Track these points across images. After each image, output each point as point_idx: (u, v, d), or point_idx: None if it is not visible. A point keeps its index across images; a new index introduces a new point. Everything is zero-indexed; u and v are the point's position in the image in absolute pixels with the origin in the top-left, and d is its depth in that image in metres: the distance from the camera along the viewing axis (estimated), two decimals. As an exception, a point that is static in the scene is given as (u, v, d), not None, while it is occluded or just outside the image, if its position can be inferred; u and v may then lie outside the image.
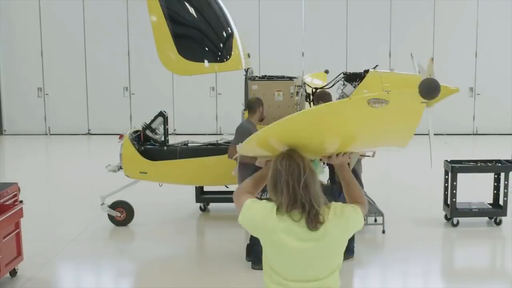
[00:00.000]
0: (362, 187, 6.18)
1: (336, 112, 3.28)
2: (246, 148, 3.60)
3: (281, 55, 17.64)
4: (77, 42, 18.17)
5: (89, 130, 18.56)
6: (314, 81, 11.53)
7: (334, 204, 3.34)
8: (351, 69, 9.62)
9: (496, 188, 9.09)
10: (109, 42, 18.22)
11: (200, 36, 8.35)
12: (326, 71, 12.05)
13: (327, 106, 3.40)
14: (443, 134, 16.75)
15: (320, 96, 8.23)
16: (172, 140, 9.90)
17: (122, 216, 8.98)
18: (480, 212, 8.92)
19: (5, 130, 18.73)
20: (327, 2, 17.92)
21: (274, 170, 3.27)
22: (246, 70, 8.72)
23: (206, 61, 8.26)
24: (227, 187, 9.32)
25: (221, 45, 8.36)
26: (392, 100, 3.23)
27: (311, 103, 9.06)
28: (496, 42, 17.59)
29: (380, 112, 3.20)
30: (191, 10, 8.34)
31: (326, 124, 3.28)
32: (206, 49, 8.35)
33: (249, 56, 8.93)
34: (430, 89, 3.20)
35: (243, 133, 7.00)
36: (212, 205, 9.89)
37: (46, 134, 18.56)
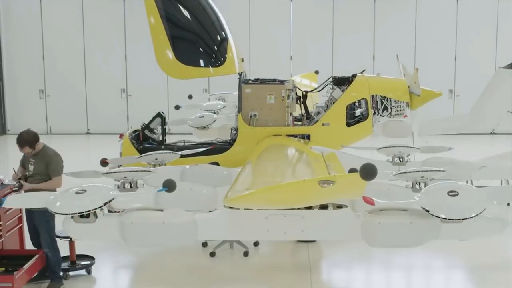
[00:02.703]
0: None
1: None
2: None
3: (270, 58, 17.60)
4: (77, 46, 18.09)
5: (88, 130, 18.49)
6: (303, 81, 11.54)
7: None
8: (337, 73, 9.64)
9: None
10: (107, 46, 18.15)
11: (196, 41, 8.33)
12: (316, 72, 12.04)
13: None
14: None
15: None
16: (169, 139, 9.87)
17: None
18: None
19: (8, 130, 18.63)
20: (314, 8, 17.93)
21: None
22: (240, 74, 8.72)
23: (202, 65, 8.24)
24: None
25: (216, 49, 8.35)
26: (338, 181, 4.01)
27: (301, 105, 9.08)
28: (475, 46, 17.63)
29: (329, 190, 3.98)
30: (188, 16, 8.32)
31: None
32: (202, 53, 8.33)
33: (242, 60, 8.94)
34: (369, 173, 3.73)
35: None
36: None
37: (48, 134, 18.45)
